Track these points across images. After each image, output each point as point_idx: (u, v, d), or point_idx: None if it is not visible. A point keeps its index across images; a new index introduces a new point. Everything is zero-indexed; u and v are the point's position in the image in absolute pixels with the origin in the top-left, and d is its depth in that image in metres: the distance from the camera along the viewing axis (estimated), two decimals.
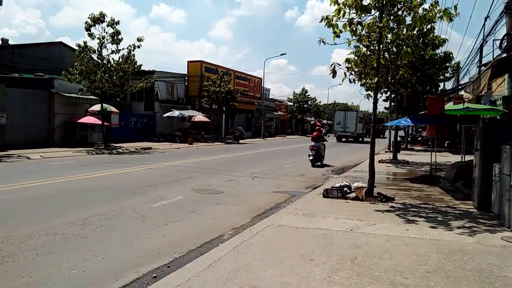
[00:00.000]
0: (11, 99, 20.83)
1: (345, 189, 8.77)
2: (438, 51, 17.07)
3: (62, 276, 4.27)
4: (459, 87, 23.51)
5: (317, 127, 18.03)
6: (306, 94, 63.18)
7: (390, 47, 9.40)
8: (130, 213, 7.20)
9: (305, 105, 62.84)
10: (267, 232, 5.81)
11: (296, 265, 4.44)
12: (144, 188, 9.79)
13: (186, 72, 38.50)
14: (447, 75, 26.16)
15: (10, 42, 31.70)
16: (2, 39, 31.16)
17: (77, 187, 9.86)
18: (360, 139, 38.84)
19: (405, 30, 8.20)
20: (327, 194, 8.61)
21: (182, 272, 4.26)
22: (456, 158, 17.14)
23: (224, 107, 36.09)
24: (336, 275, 4.14)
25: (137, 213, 7.20)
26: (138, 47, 21.79)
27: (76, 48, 21.65)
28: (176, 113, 31.92)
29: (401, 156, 19.25)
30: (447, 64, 19.79)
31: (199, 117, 33.75)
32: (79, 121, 24.21)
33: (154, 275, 4.42)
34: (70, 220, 6.50)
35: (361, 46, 8.76)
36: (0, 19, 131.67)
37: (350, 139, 38.39)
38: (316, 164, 16.16)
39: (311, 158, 16.23)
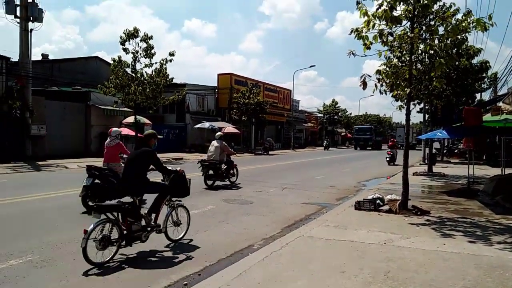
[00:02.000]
0: (51, 111, 21.86)
1: (377, 201, 8.57)
2: (473, 61, 16.53)
3: (98, 282, 4.39)
4: (497, 98, 22.66)
5: (392, 139, 28.25)
6: (337, 106, 62.68)
7: (422, 57, 9.21)
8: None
9: (335, 117, 62.31)
10: (297, 243, 5.76)
11: (327, 277, 4.36)
12: None
13: (216, 85, 39.15)
14: (484, 86, 25.25)
15: (50, 57, 33.40)
16: (43, 55, 32.91)
17: None
18: (413, 148, 47.53)
19: (437, 40, 8.03)
20: (359, 206, 8.44)
21: (212, 281, 4.29)
22: (495, 171, 16.42)
23: (254, 118, 36.34)
24: None
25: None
26: (170, 61, 22.40)
27: (111, 62, 22.51)
28: (206, 124, 32.40)
29: (436, 168, 18.63)
30: (484, 75, 19.10)
31: (229, 128, 34.09)
32: None
33: (185, 282, 4.46)
34: None
35: (392, 56, 8.62)
36: (41, 35, 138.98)
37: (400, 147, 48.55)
38: (390, 164, 22.75)
39: (387, 159, 23.19)
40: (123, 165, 6.96)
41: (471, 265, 4.81)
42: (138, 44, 21.80)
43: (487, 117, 14.59)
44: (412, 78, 8.27)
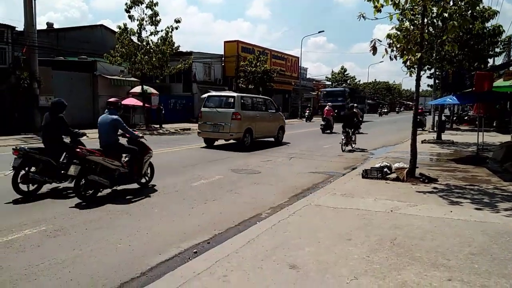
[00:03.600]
0: (58, 81, 21.81)
1: (385, 169, 8.58)
2: (487, 24, 15.97)
3: (110, 250, 4.51)
4: (510, 63, 22.05)
5: (421, 107, 31.99)
6: (345, 73, 61.72)
7: (435, 21, 8.92)
8: (171, 191, 7.44)
9: (344, 84, 61.47)
10: (304, 212, 5.82)
11: (334, 244, 4.43)
12: (184, 168, 10.05)
13: (223, 53, 38.59)
14: (497, 50, 24.50)
15: (55, 26, 33.01)
16: (48, 23, 32.50)
17: None
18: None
19: (451, 2, 7.73)
20: (366, 174, 8.46)
21: (221, 248, 4.37)
22: (505, 138, 16.25)
23: (261, 87, 35.97)
24: (375, 255, 4.10)
25: (178, 192, 7.42)
26: (176, 28, 22.02)
27: (117, 30, 22.18)
28: (213, 94, 32.19)
29: (445, 136, 18.48)
30: (497, 39, 18.50)
31: None
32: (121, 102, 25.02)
33: (194, 250, 4.57)
34: (115, 198, 6.81)
35: (404, 20, 8.35)
36: (46, 3, 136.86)
37: (426, 114, 51.45)
38: (418, 129, 28.91)
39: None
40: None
41: (477, 232, 4.84)
42: (144, 11, 21.42)
43: (499, 82, 14.27)
44: (423, 42, 8.04)
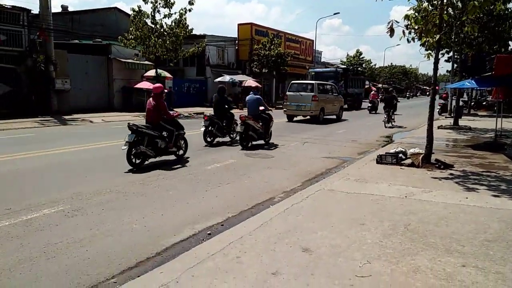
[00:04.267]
0: (73, 65, 21.96)
1: (400, 155, 8.47)
2: (509, 5, 15.41)
3: (125, 230, 4.61)
4: None
5: (445, 92, 31.28)
6: (361, 57, 60.65)
7: (454, 1, 8.65)
8: (186, 174, 7.52)
9: (359, 68, 60.48)
10: (317, 196, 5.82)
11: (347, 229, 4.43)
12: (198, 151, 10.11)
13: (236, 36, 38.24)
14: None
15: (69, 9, 33.06)
16: (62, 6, 32.53)
17: None
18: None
19: None
20: (380, 160, 8.38)
21: (235, 231, 4.42)
22: None
23: (275, 71, 35.65)
24: (388, 240, 4.09)
25: (192, 175, 7.49)
26: (190, 10, 21.86)
27: (131, 13, 22.11)
28: (227, 78, 32.07)
29: (462, 121, 18.11)
30: None
31: (250, 82, 33.59)
32: (135, 86, 25.13)
33: (208, 232, 4.63)
34: (131, 180, 6.92)
35: (422, 0, 8.11)
36: None
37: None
38: (442, 114, 24.93)
39: (439, 109, 24.90)
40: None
41: (493, 219, 4.78)
42: None
43: None
44: (442, 23, 7.82)
